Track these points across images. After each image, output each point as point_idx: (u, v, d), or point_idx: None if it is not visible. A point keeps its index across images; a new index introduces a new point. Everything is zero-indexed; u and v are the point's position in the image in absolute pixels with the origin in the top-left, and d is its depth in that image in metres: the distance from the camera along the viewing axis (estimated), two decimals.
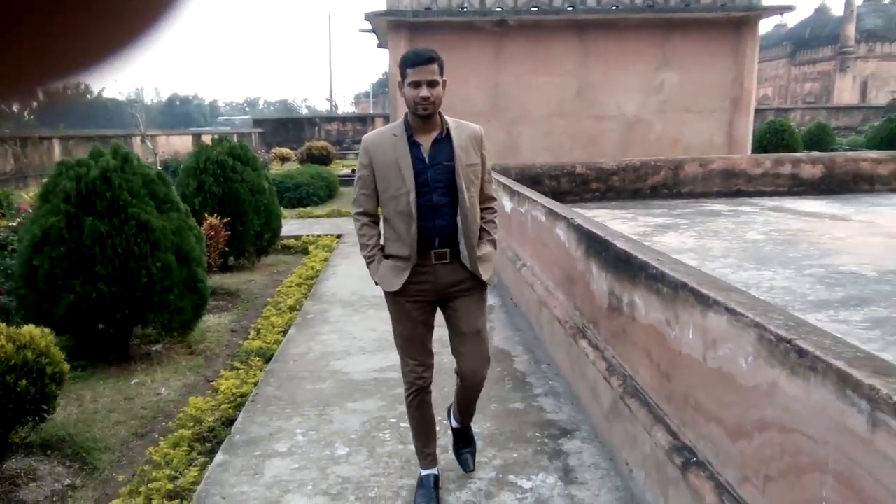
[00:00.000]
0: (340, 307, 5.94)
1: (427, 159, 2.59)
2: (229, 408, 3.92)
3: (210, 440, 3.56)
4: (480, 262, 2.66)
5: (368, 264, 2.74)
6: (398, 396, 3.89)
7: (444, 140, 2.60)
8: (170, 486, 3.05)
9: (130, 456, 3.61)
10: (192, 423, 3.73)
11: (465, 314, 2.72)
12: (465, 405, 2.94)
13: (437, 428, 2.97)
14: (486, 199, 2.74)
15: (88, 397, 4.34)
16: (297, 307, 6.02)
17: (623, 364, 2.84)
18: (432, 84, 2.49)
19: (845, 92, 43.47)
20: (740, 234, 6.27)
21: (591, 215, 5.09)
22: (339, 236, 9.61)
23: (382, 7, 11.71)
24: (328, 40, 66.87)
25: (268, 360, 4.74)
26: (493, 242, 2.77)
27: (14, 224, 5.84)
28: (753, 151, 13.49)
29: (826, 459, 1.42)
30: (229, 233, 7.08)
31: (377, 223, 2.75)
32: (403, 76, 2.52)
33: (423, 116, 2.54)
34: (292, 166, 19.20)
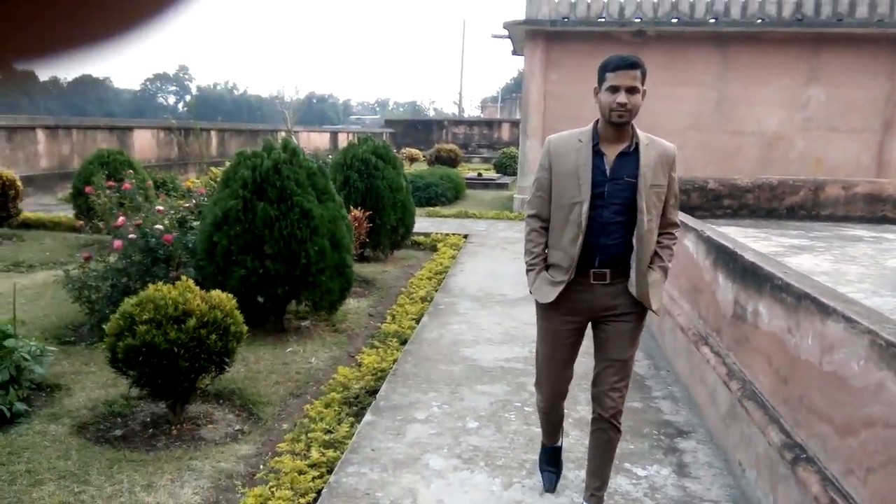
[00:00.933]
0: (469, 301, 6.37)
1: (608, 172, 2.46)
2: (371, 379, 4.42)
3: (356, 404, 4.06)
4: (650, 289, 2.50)
5: (528, 271, 2.65)
6: (522, 384, 4.23)
7: (632, 154, 2.46)
8: (325, 437, 3.55)
9: (288, 411, 4.18)
10: (340, 389, 4.25)
11: (617, 339, 2.55)
12: (599, 461, 2.69)
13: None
14: (667, 225, 2.57)
15: (252, 359, 4.99)
16: (429, 298, 6.50)
17: (743, 369, 3.03)
18: (632, 90, 2.36)
19: None
20: (880, 261, 6.09)
21: (720, 229, 5.18)
22: (465, 236, 10.07)
23: (520, 15, 12.07)
24: (461, 44, 68.13)
25: (403, 342, 5.23)
26: (665, 270, 2.57)
27: (189, 205, 6.66)
28: None
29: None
30: (370, 225, 7.69)
31: (547, 230, 2.61)
32: (601, 80, 2.41)
33: (617, 124, 2.41)
34: (421, 167, 20.00)
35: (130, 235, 5.31)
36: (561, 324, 2.61)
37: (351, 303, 6.51)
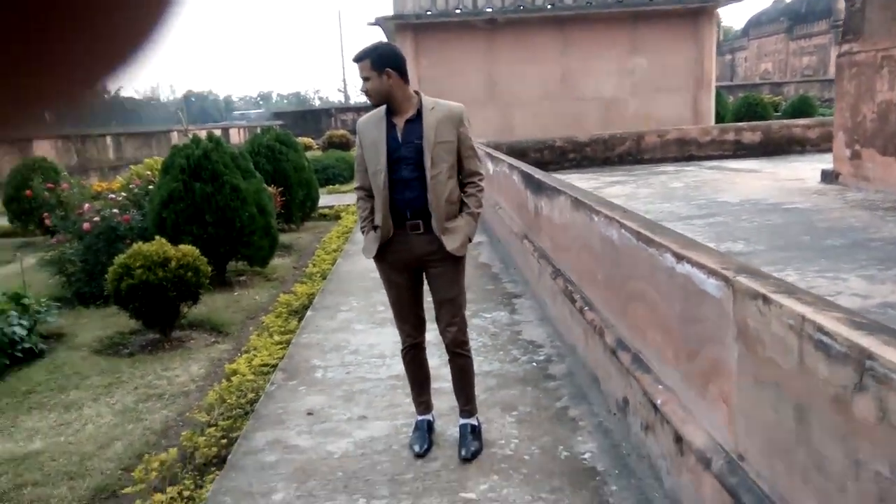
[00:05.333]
0: None
1: (400, 138, 2.80)
2: (306, 300, 6.07)
3: (298, 312, 5.73)
4: (448, 233, 2.80)
5: (363, 234, 3.01)
6: None
7: (416, 120, 2.80)
8: (281, 329, 5.21)
9: (248, 327, 5.79)
10: (284, 307, 5.90)
11: (439, 283, 2.91)
12: (458, 382, 3.05)
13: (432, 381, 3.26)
14: (469, 175, 2.88)
15: (209, 302, 6.51)
16: (339, 250, 8.18)
17: (541, 245, 4.96)
18: (365, 79, 2.76)
19: None
20: (667, 185, 8.34)
21: (564, 177, 7.13)
22: None
23: (389, 10, 13.78)
24: (339, 34, 68.75)
25: (324, 277, 6.90)
26: (473, 215, 2.87)
27: (124, 195, 7.97)
28: (730, 122, 15.43)
29: (586, 242, 3.53)
30: (283, 199, 9.24)
31: (372, 197, 2.90)
32: None
33: (376, 104, 2.84)
34: (315, 153, 21.36)
35: (95, 219, 6.66)
36: (393, 273, 2.96)
37: (277, 261, 8.08)
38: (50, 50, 0.26)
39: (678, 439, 2.27)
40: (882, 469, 1.30)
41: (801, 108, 24.74)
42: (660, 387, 2.49)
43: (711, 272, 2.07)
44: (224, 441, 3.35)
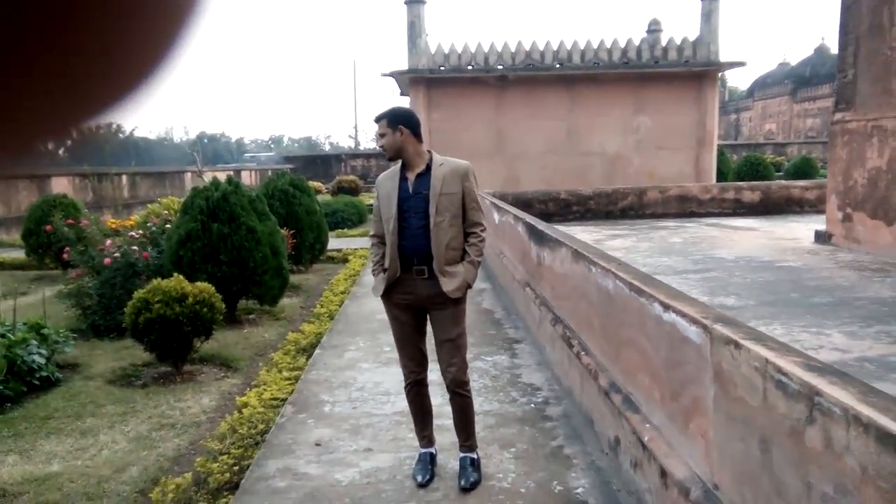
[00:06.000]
0: None
1: (410, 189, 3.10)
2: (314, 339, 6.29)
3: (306, 350, 5.94)
4: (447, 276, 3.03)
5: (374, 275, 3.28)
6: None
7: (425, 174, 3.10)
8: (290, 365, 5.42)
9: (257, 362, 5.99)
10: (293, 345, 6.11)
11: (440, 324, 3.13)
12: (459, 420, 3.24)
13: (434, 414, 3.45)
14: (472, 225, 3.13)
15: (219, 338, 6.73)
16: (347, 292, 8.42)
17: (542, 293, 5.20)
18: (382, 135, 3.11)
19: None
20: (666, 240, 8.60)
21: (568, 230, 7.38)
22: None
23: (404, 65, 14.33)
24: (353, 82, 70.47)
25: (331, 318, 7.12)
26: (473, 263, 3.10)
27: (142, 233, 8.27)
28: (732, 181, 15.80)
29: (584, 292, 3.76)
30: (294, 241, 9.53)
31: (384, 244, 3.19)
32: None
33: (389, 159, 3.17)
34: (325, 198, 21.82)
35: (115, 255, 6.93)
36: (398, 311, 3.20)
37: (285, 301, 8.31)
38: (49, 83, 0.26)
39: (663, 474, 2.47)
40: (827, 489, 1.52)
41: (803, 169, 25.27)
42: (647, 425, 2.69)
43: (693, 320, 2.31)
44: (236, 468, 3.53)
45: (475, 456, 3.26)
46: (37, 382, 5.32)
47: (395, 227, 3.08)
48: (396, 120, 3.09)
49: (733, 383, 1.98)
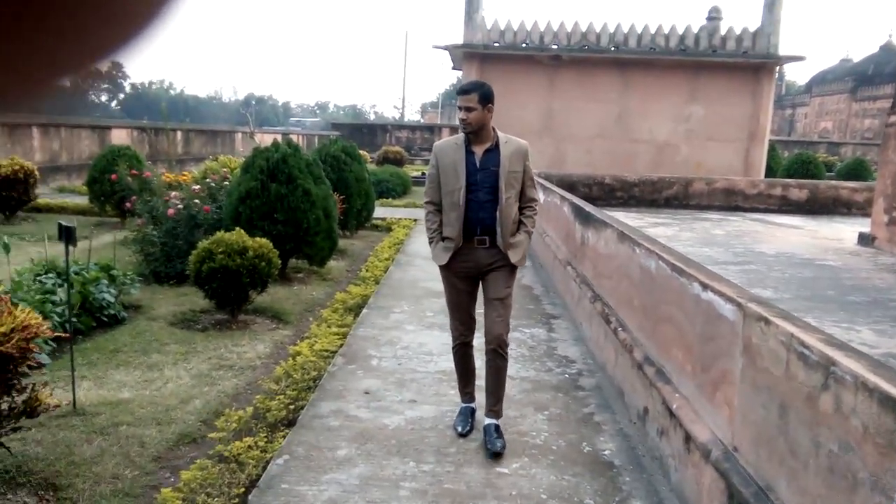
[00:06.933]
0: (421, 259, 8.64)
1: (478, 164, 3.22)
2: (360, 300, 6.61)
3: (353, 310, 6.26)
4: (511, 248, 3.26)
5: (430, 243, 3.43)
6: None
7: (494, 150, 3.24)
8: (339, 322, 5.75)
9: (307, 318, 6.34)
10: (340, 304, 6.44)
11: (494, 284, 3.33)
12: (492, 382, 3.38)
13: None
14: (528, 200, 3.35)
15: (271, 292, 7.10)
16: (391, 258, 8.73)
17: (583, 272, 5.41)
18: (469, 109, 3.17)
19: None
20: (709, 231, 8.69)
21: (609, 214, 7.60)
22: (415, 220, 12.34)
23: (459, 39, 14.45)
24: (403, 54, 70.32)
25: (377, 282, 7.44)
26: (528, 234, 3.34)
27: (200, 187, 8.67)
28: (781, 178, 15.65)
29: (627, 271, 3.97)
30: (343, 207, 9.85)
31: (440, 212, 3.32)
32: None
33: (467, 133, 3.24)
34: (370, 167, 22.15)
35: (179, 206, 7.33)
36: (457, 279, 3.40)
37: (332, 263, 8.66)
38: (53, 27, 0.26)
39: (687, 439, 2.70)
40: (833, 447, 1.74)
41: (856, 171, 24.65)
42: (677, 395, 2.92)
43: (729, 299, 2.51)
44: (291, 407, 3.86)
45: (499, 423, 3.39)
46: (105, 319, 5.74)
47: (463, 199, 3.21)
48: (486, 98, 3.18)
49: (760, 355, 2.20)
